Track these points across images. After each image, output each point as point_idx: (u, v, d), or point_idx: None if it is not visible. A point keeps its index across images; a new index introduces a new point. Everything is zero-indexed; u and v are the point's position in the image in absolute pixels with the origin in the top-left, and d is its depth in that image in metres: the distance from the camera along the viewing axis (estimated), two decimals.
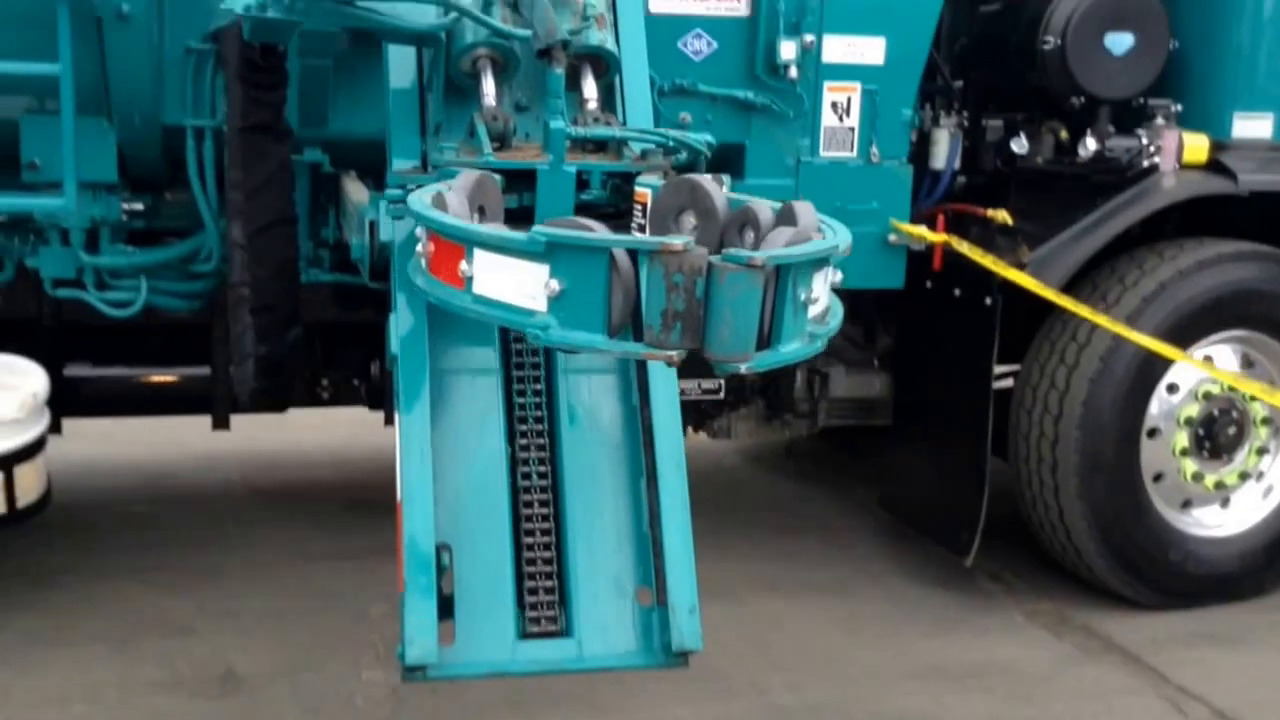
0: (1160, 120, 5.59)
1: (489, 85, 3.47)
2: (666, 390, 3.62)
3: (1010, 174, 5.83)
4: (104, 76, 4.66)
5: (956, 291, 5.51)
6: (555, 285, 2.62)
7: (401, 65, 3.71)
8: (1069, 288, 5.36)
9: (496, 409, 3.61)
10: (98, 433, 6.64)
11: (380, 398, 5.75)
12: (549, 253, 2.62)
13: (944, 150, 5.79)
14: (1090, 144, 5.50)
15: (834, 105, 5.41)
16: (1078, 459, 5.36)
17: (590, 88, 3.63)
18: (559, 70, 3.36)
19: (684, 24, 5.27)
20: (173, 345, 5.60)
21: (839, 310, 3.03)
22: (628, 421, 3.68)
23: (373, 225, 3.62)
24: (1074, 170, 5.60)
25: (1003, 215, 5.52)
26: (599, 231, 2.75)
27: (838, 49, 5.37)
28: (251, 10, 3.43)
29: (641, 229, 3.43)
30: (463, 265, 2.78)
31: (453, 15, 3.42)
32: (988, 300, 5.34)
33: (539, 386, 3.66)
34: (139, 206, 5.02)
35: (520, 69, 3.61)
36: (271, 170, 3.98)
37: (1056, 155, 5.70)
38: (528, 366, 3.67)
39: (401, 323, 3.49)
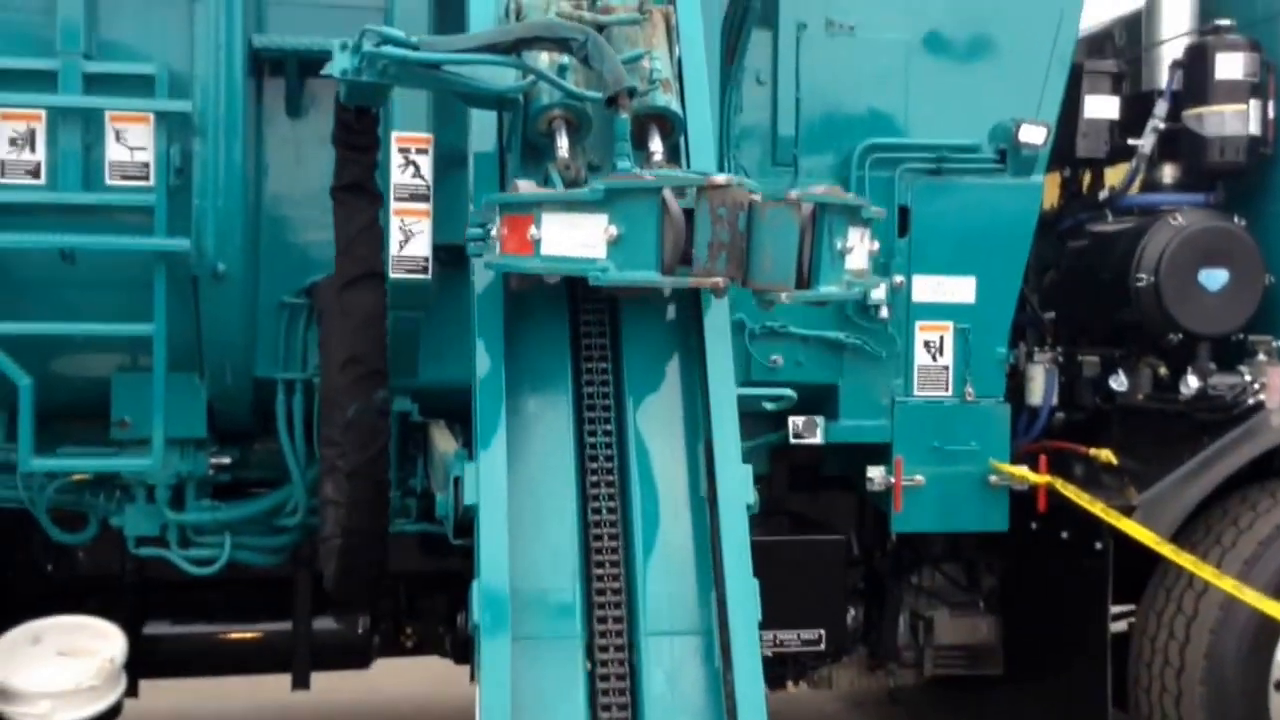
0: (1262, 356, 5.46)
1: (563, 141, 3.61)
2: (749, 654, 3.47)
3: (1110, 410, 5.69)
4: (197, 333, 4.69)
5: (1064, 535, 5.30)
6: (614, 230, 2.95)
7: (483, 130, 3.87)
8: (1180, 530, 5.13)
9: (579, 678, 3.47)
10: (174, 685, 6.45)
11: (466, 650, 5.57)
12: (608, 201, 2.94)
13: (1040, 386, 5.68)
14: (1192, 382, 5.37)
15: (927, 344, 5.35)
16: (1204, 716, 5.04)
17: (656, 144, 3.73)
18: (625, 115, 3.52)
19: None
20: (252, 600, 5.47)
21: (876, 280, 3.29)
22: (711, 685, 3.50)
23: (457, 481, 3.60)
24: (1177, 408, 5.43)
25: (1106, 455, 5.35)
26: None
27: (928, 289, 5.34)
28: (348, 74, 3.58)
29: None
30: (531, 230, 3.10)
31: (530, 78, 3.59)
32: (1098, 545, 5.12)
33: (621, 652, 3.52)
34: (226, 460, 4.99)
35: (592, 131, 3.73)
36: (362, 226, 4.09)
37: (1157, 392, 5.57)
38: (610, 632, 3.55)
39: (484, 592, 3.41)
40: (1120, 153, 5.87)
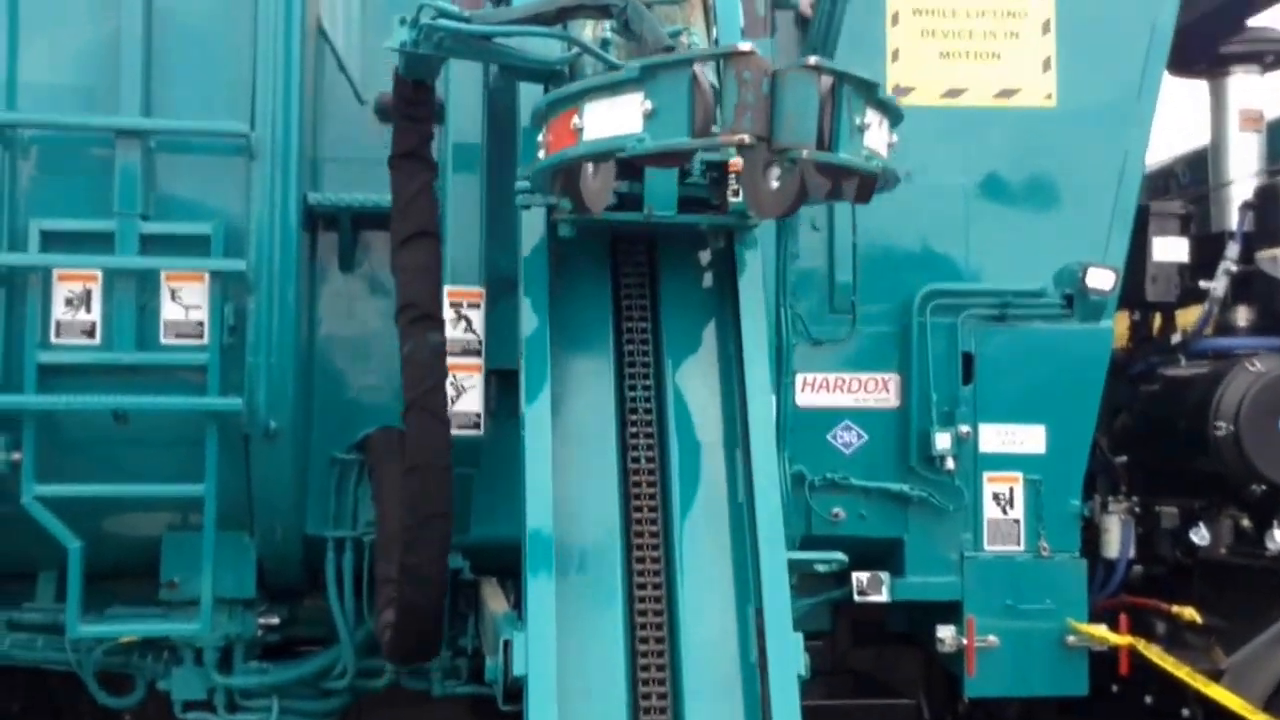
0: None
1: None
2: None
3: (1192, 565, 5.44)
4: (248, 491, 4.63)
5: (1148, 699, 5.05)
6: (649, 105, 3.09)
7: (531, 104, 3.93)
8: (1273, 695, 4.87)
9: None
10: None
11: None
12: (643, 78, 3.10)
13: (1116, 539, 5.47)
14: (1278, 536, 5.13)
15: (995, 497, 5.16)
16: None
17: None
18: None
19: (832, 417, 5.14)
20: None
21: (894, 176, 3.44)
22: None
23: (507, 644, 3.52)
24: (1263, 563, 5.19)
25: (1190, 613, 5.12)
26: None
27: (995, 439, 5.16)
28: (406, 47, 3.77)
29: (736, 194, 3.87)
30: (574, 120, 3.26)
31: (575, 51, 3.75)
32: (1185, 711, 4.85)
33: None
34: (275, 620, 4.88)
35: None
36: (417, 189, 4.18)
37: (1240, 545, 5.34)
38: None
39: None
40: (1191, 295, 5.72)
